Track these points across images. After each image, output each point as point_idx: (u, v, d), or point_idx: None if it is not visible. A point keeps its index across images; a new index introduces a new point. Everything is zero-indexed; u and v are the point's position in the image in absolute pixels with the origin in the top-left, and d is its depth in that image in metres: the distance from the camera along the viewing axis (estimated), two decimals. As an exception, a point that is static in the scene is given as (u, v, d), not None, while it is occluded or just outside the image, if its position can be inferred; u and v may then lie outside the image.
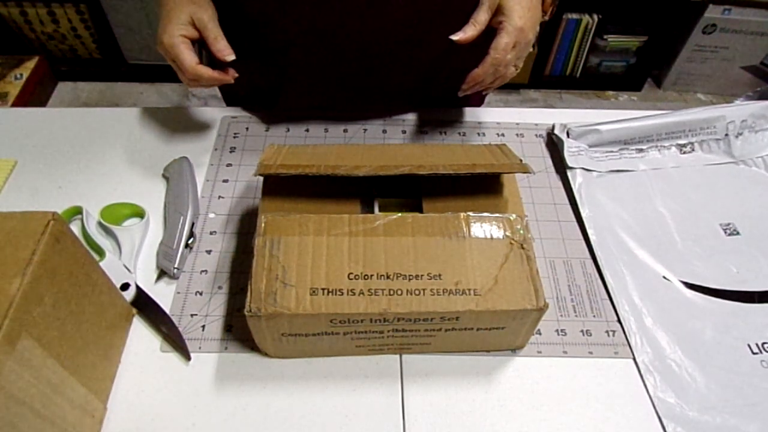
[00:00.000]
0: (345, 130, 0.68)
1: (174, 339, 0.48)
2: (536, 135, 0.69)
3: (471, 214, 0.45)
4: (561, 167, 0.64)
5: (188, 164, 0.61)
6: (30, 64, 1.72)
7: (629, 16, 1.77)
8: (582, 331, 0.51)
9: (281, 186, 0.48)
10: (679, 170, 0.64)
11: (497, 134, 0.69)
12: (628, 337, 0.50)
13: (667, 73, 1.93)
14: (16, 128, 0.66)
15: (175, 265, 0.52)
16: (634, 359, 0.49)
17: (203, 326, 0.49)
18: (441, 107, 0.71)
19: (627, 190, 0.62)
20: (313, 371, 0.47)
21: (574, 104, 1.92)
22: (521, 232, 0.45)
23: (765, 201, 0.62)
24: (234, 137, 0.67)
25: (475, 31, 0.54)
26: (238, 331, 0.49)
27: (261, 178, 0.49)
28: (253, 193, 0.60)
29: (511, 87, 1.93)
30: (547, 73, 1.91)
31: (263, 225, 0.44)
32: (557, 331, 0.51)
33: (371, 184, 0.50)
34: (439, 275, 0.42)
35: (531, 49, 0.58)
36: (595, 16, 1.75)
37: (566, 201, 0.61)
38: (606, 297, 0.53)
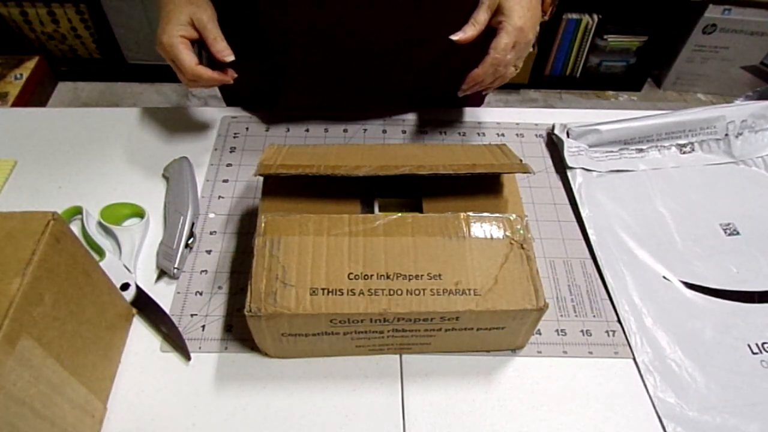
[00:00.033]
0: (345, 130, 0.68)
1: (174, 339, 0.48)
2: (536, 135, 0.69)
3: (471, 214, 0.45)
4: (561, 167, 0.64)
5: (188, 164, 0.61)
6: (30, 64, 1.72)
7: (629, 16, 1.77)
8: (582, 331, 0.51)
9: (281, 186, 0.48)
10: (679, 170, 0.64)
11: (497, 134, 0.69)
12: (628, 337, 0.50)
13: (667, 73, 1.93)
14: (16, 128, 0.66)
15: (175, 265, 0.52)
16: (634, 359, 0.49)
17: (203, 326, 0.49)
18: (441, 107, 0.71)
19: (627, 190, 0.62)
20: (313, 371, 0.47)
21: (574, 104, 1.92)
22: (521, 232, 0.45)
23: (765, 201, 0.62)
24: (234, 137, 0.67)
25: (475, 31, 0.54)
26: (238, 331, 0.49)
27: (261, 178, 0.49)
28: (253, 193, 0.60)
29: (511, 87, 1.93)
30: (547, 73, 1.91)
31: (263, 225, 0.44)
32: (557, 331, 0.51)
33: (371, 184, 0.50)
34: (439, 275, 0.42)
35: (531, 49, 0.58)
36: (595, 16, 1.75)
37: (566, 201, 0.61)
38: (606, 297, 0.53)
